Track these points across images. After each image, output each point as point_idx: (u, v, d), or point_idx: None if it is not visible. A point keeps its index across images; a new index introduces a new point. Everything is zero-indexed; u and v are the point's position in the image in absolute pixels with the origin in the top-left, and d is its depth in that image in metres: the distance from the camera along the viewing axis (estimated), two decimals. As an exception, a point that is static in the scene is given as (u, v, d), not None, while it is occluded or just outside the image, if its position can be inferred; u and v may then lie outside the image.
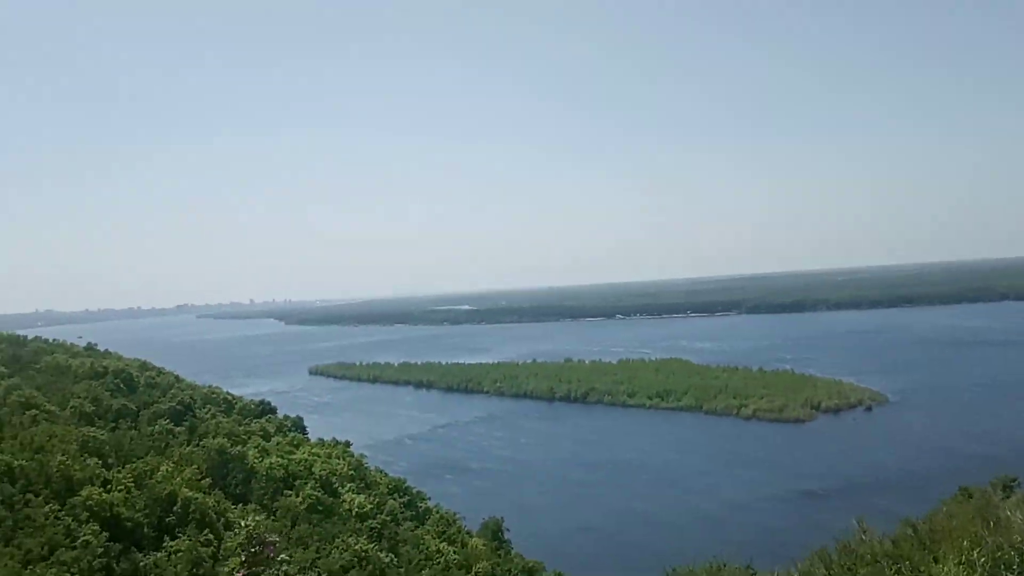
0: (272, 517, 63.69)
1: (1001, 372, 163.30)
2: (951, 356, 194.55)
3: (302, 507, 66.20)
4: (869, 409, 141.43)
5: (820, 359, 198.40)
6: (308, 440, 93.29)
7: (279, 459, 75.02)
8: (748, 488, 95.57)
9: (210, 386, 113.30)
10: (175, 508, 51.32)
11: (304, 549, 57.64)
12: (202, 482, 59.22)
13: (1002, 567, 8.33)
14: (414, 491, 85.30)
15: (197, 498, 53.63)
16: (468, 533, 76.81)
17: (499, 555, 66.92)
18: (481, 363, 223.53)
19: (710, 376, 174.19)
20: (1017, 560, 8.41)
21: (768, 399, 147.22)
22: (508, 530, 74.63)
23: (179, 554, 44.33)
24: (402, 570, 60.62)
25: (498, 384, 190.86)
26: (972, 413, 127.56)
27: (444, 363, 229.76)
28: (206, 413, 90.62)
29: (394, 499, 78.54)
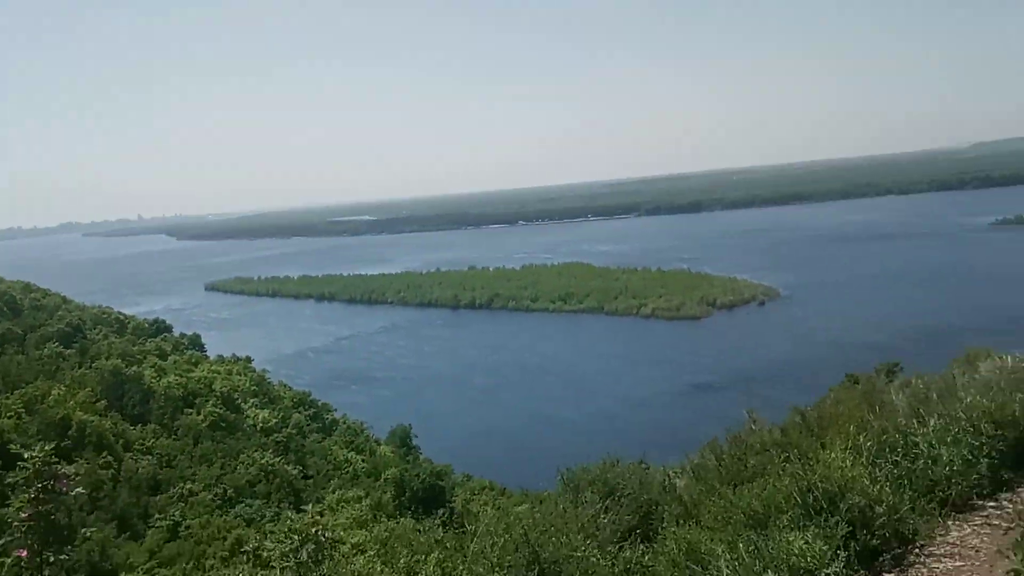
0: (174, 436, 62.63)
1: (885, 264, 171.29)
2: (839, 250, 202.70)
3: (204, 425, 65.27)
4: (762, 304, 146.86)
5: (716, 258, 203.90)
6: (207, 357, 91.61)
7: (177, 378, 73.44)
8: (648, 385, 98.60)
9: (100, 306, 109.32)
10: (70, 432, 49.77)
11: (208, 466, 57.04)
12: (97, 405, 57.54)
13: (887, 449, 8.45)
14: (319, 403, 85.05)
15: (93, 421, 52.13)
16: (376, 442, 77.27)
17: (408, 461, 67.55)
18: (384, 274, 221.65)
19: (611, 278, 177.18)
20: (901, 442, 8.55)
21: (666, 298, 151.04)
22: (416, 437, 75.25)
23: (78, 477, 42.99)
24: (310, 481, 60.74)
25: (401, 294, 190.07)
26: (859, 304, 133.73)
27: (346, 275, 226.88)
28: (97, 334, 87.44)
29: (299, 412, 78.19)
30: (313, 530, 7.15)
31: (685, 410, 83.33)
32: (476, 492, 56.59)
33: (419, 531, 7.59)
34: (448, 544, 6.88)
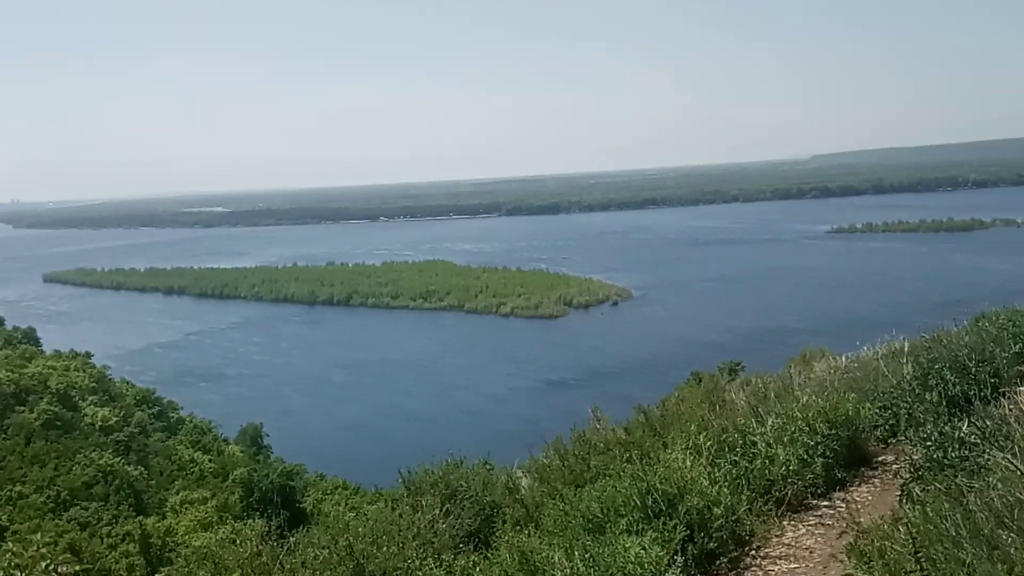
0: (3, 436, 58.31)
1: (730, 267, 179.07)
2: (689, 254, 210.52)
3: (37, 423, 61.21)
4: (616, 304, 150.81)
5: (573, 258, 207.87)
6: (43, 352, 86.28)
7: (9, 373, 68.55)
8: (506, 381, 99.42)
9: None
10: None
11: (41, 467, 53.42)
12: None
13: (726, 449, 8.46)
14: (164, 401, 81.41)
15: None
16: (225, 441, 74.50)
17: (258, 460, 65.45)
18: (238, 267, 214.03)
19: (471, 276, 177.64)
20: (740, 441, 8.58)
21: (525, 297, 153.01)
22: (267, 435, 73.01)
23: None
24: (153, 482, 57.84)
25: (256, 289, 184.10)
26: (706, 305, 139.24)
27: (197, 268, 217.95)
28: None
29: (142, 410, 74.50)
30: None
31: (540, 406, 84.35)
32: (329, 492, 55.35)
33: (234, 542, 6.96)
34: (265, 557, 6.31)
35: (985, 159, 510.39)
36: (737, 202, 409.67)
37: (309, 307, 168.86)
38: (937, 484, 6.06)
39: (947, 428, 7.47)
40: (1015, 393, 10.70)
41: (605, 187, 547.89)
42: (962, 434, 6.89)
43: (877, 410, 10.26)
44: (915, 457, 7.75)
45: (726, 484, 7.60)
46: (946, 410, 10.32)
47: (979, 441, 6.57)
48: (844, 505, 7.89)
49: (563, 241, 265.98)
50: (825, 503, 8.17)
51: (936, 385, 10.41)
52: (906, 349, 12.39)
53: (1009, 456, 5.22)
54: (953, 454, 6.69)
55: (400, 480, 9.78)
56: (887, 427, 10.36)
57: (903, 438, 10.21)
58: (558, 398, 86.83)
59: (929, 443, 7.24)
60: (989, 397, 10.37)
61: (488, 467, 10.16)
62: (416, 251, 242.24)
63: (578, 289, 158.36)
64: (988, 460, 5.81)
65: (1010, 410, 6.85)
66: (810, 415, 9.08)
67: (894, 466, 9.08)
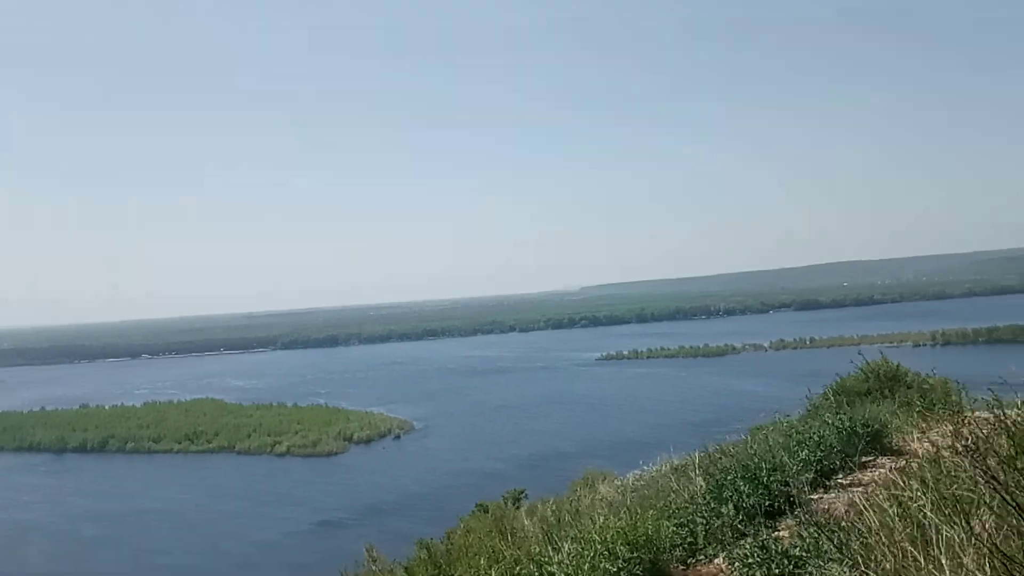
0: None
1: (508, 395, 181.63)
2: (468, 383, 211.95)
3: None
4: (398, 437, 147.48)
5: (353, 392, 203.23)
6: None
7: None
8: (278, 525, 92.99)
9: None
10: None
11: None
12: None
13: (520, 582, 7.35)
14: None
15: None
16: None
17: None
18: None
19: (243, 415, 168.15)
20: (535, 572, 7.52)
21: (302, 434, 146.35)
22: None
23: None
24: None
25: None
26: (486, 434, 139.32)
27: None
28: None
29: None
30: None
31: (315, 551, 79.07)
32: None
33: None
34: None
35: (734, 290, 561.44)
36: (514, 332, 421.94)
37: (57, 455, 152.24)
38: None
39: (767, 540, 6.78)
40: (810, 502, 10.45)
41: (385, 319, 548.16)
42: (785, 546, 6.18)
43: (674, 527, 9.59)
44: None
45: (523, 628, 6.45)
46: (742, 523, 9.83)
47: (805, 554, 5.89)
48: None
49: (342, 374, 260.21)
50: (633, 639, 7.22)
51: (730, 497, 9.93)
52: (697, 462, 11.99)
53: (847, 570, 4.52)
54: (777, 570, 5.96)
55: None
56: (685, 546, 9.69)
57: (702, 557, 9.56)
58: (334, 540, 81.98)
59: (750, 560, 6.50)
60: (783, 507, 10.03)
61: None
62: (182, 389, 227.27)
63: (358, 423, 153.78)
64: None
65: (824, 518, 6.23)
66: (608, 537, 8.21)
67: (699, 590, 8.34)
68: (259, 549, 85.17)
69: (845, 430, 11.62)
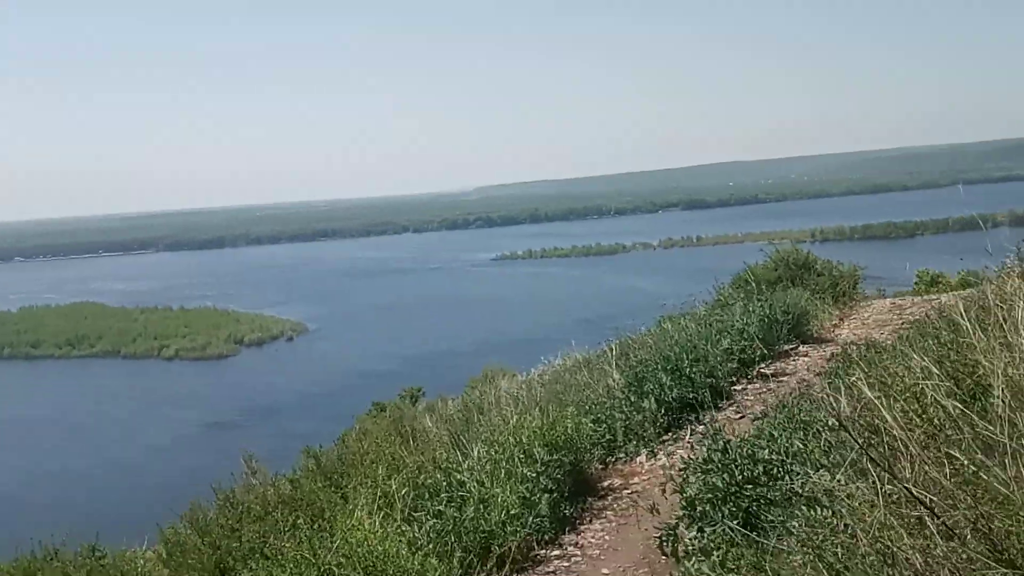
0: None
1: (402, 296, 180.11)
2: (361, 284, 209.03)
3: None
4: (291, 339, 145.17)
5: (242, 294, 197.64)
6: None
7: None
8: (169, 428, 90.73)
9: None
10: None
11: None
12: None
13: (427, 495, 6.34)
14: None
15: None
16: None
17: None
18: None
19: (128, 318, 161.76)
20: (443, 482, 6.53)
21: (190, 338, 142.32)
22: None
23: None
24: None
25: None
26: (381, 335, 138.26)
27: None
28: None
29: None
30: None
31: (208, 453, 77.20)
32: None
33: None
34: None
35: (623, 190, 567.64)
36: (408, 232, 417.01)
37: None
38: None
39: (721, 434, 5.88)
40: (735, 394, 9.76)
41: (274, 219, 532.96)
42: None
43: (591, 424, 8.76)
44: (671, 472, 6.12)
45: (431, 547, 5.47)
46: (665, 418, 9.09)
47: (777, 456, 5.01)
48: (579, 553, 6.13)
49: (231, 276, 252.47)
50: (556, 553, 6.35)
51: (652, 391, 9.14)
52: (614, 353, 11.16)
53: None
54: (740, 476, 5.06)
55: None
56: (603, 444, 8.90)
57: (622, 455, 8.79)
58: (228, 441, 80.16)
59: (710, 448, 5.59)
60: (708, 401, 9.33)
61: (99, 554, 7.19)
62: (60, 293, 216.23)
63: (249, 326, 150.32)
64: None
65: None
66: (524, 438, 7.28)
67: (624, 492, 7.56)
68: (149, 453, 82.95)
69: (766, 317, 11.01)
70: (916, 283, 27.32)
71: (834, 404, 4.32)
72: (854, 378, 4.78)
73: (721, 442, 5.31)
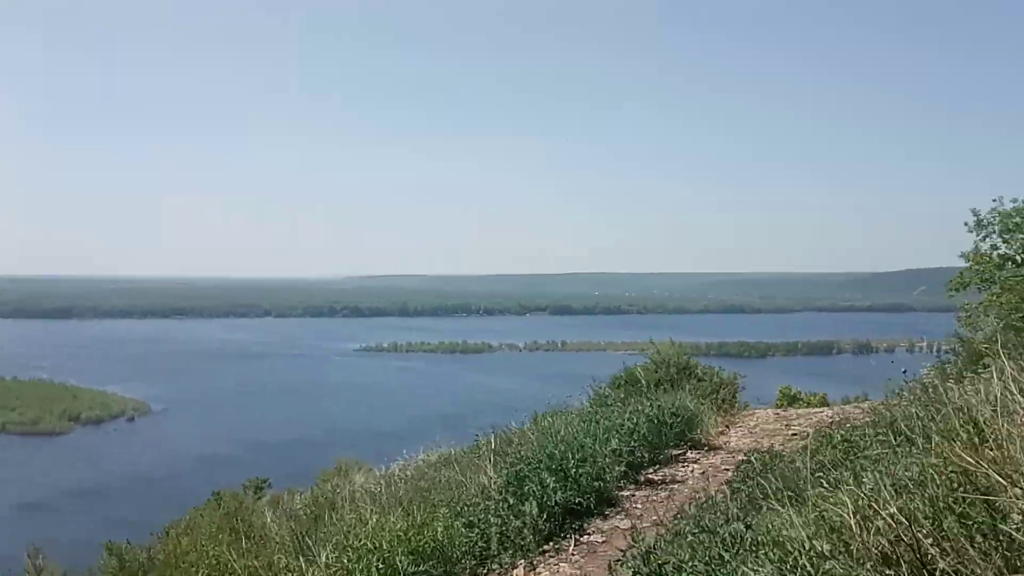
0: None
1: (260, 381, 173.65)
2: (216, 367, 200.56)
3: None
4: (132, 419, 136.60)
5: (85, 368, 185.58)
6: None
7: None
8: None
9: None
10: None
11: None
12: None
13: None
14: None
15: None
16: None
17: None
18: None
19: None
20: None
21: (20, 411, 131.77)
22: None
23: None
24: None
25: None
26: (232, 419, 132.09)
27: None
28: None
29: None
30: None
31: (15, 536, 70.24)
32: None
33: None
34: None
35: (494, 291, 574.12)
36: (269, 317, 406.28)
37: None
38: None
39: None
40: (622, 500, 8.79)
41: (127, 293, 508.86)
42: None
43: (463, 529, 7.58)
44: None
45: None
46: (547, 525, 7.99)
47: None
48: None
49: (76, 349, 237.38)
50: None
51: (533, 492, 8.06)
52: (493, 447, 10.02)
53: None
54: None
55: None
56: (475, 554, 7.70)
57: (496, 566, 7.63)
58: (41, 525, 73.24)
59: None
60: (593, 507, 8.32)
61: None
62: None
63: (88, 402, 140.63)
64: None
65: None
66: (385, 543, 6.02)
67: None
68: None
69: (655, 419, 10.19)
70: (779, 399, 28.00)
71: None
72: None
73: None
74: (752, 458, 7.97)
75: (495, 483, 8.50)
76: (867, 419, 8.97)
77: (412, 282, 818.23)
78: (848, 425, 8.62)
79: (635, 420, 9.78)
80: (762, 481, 6.30)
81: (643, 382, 13.56)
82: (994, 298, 24.90)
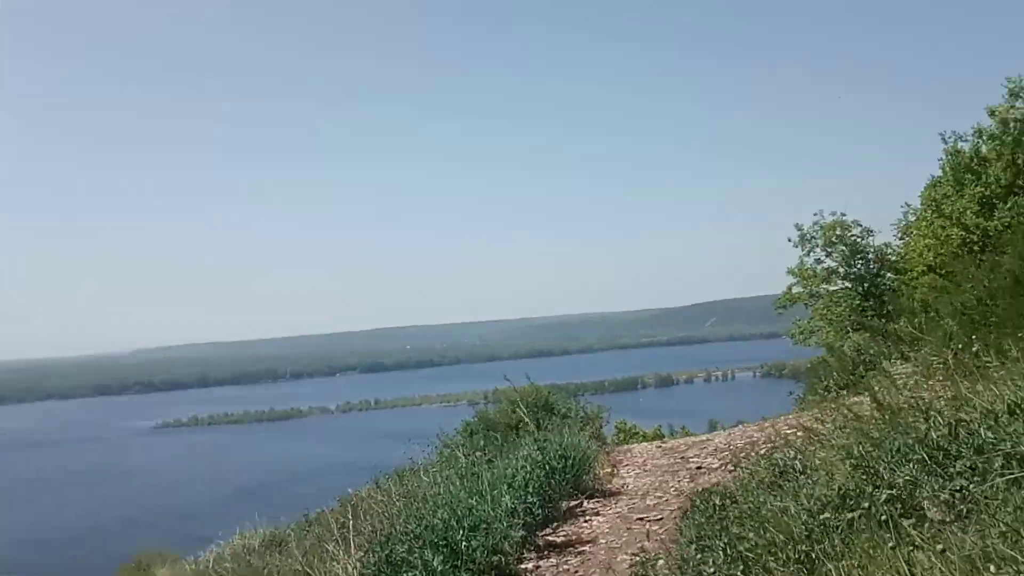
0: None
1: (42, 470, 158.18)
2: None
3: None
4: None
5: None
6: None
7: None
8: None
9: None
10: None
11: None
12: None
13: None
14: None
15: None
16: None
17: None
18: None
19: None
20: None
21: None
22: None
23: None
24: None
25: None
26: (18, 512, 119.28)
27: None
28: None
29: None
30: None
31: None
32: None
33: None
34: None
35: (300, 353, 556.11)
36: (52, 399, 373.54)
37: None
38: None
39: None
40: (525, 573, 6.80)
41: None
42: None
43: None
44: None
45: None
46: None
47: None
48: None
49: None
50: None
51: (415, 580, 5.88)
52: (347, 518, 7.64)
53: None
54: None
55: None
56: None
57: None
58: None
59: None
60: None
61: None
62: None
63: None
64: None
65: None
66: None
67: None
68: None
69: (545, 465, 8.26)
70: (616, 433, 27.06)
71: None
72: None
73: None
74: (697, 501, 6.23)
75: (356, 571, 6.25)
76: (799, 439, 7.49)
77: (209, 350, 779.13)
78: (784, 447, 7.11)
79: (528, 468, 7.82)
80: (747, 534, 4.51)
81: (501, 425, 11.65)
82: (824, 311, 25.21)
